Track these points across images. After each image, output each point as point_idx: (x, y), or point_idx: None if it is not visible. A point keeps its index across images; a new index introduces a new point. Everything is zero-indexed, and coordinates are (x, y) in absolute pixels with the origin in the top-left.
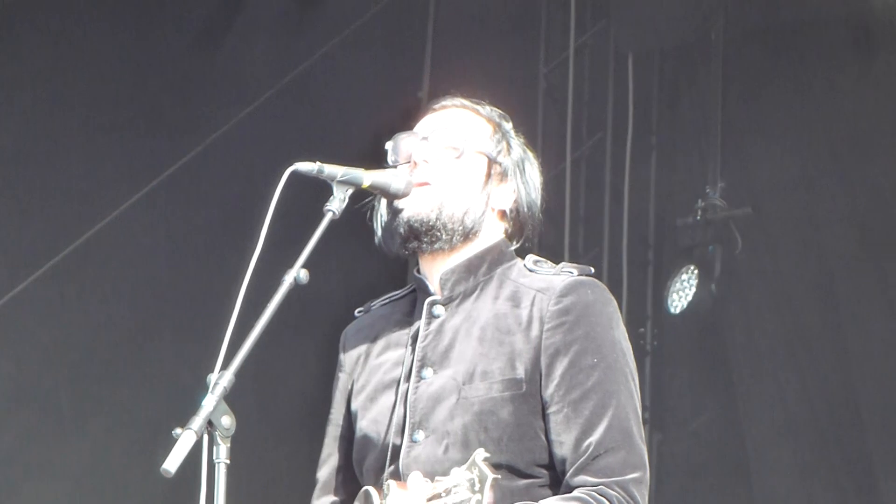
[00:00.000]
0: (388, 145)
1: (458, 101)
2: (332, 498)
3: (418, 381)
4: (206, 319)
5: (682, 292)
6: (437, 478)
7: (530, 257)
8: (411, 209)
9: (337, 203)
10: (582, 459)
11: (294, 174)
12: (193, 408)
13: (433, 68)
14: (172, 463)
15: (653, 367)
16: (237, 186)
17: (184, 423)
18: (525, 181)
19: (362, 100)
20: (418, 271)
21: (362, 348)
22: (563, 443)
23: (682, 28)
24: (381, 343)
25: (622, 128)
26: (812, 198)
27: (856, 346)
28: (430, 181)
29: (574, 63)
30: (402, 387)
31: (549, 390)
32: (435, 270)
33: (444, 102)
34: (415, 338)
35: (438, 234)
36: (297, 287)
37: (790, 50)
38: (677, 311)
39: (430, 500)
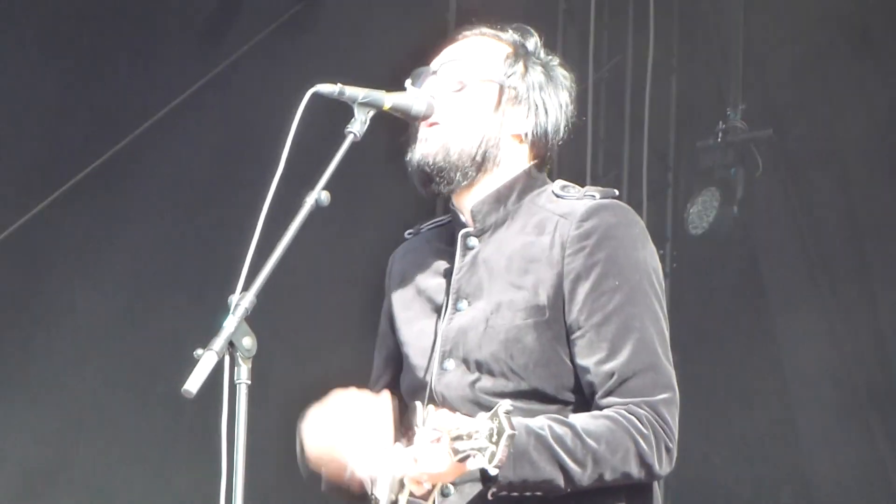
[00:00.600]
0: (408, 82)
1: (479, 29)
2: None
3: (454, 313)
4: (229, 242)
5: (704, 214)
6: (462, 418)
7: (558, 182)
8: (419, 152)
9: (358, 125)
10: (609, 383)
11: (315, 95)
12: (215, 329)
13: (458, 8)
14: (194, 383)
15: (672, 289)
16: (260, 108)
17: (205, 343)
18: (543, 102)
19: (389, 20)
20: (452, 204)
21: (406, 274)
22: (588, 367)
23: None
24: (422, 270)
25: (642, 50)
26: (834, 120)
27: (881, 271)
28: (438, 119)
29: None
30: (440, 318)
31: (573, 315)
32: (465, 203)
33: (465, 32)
34: (451, 268)
35: (451, 174)
36: (318, 209)
37: None
38: (698, 232)
39: (453, 438)
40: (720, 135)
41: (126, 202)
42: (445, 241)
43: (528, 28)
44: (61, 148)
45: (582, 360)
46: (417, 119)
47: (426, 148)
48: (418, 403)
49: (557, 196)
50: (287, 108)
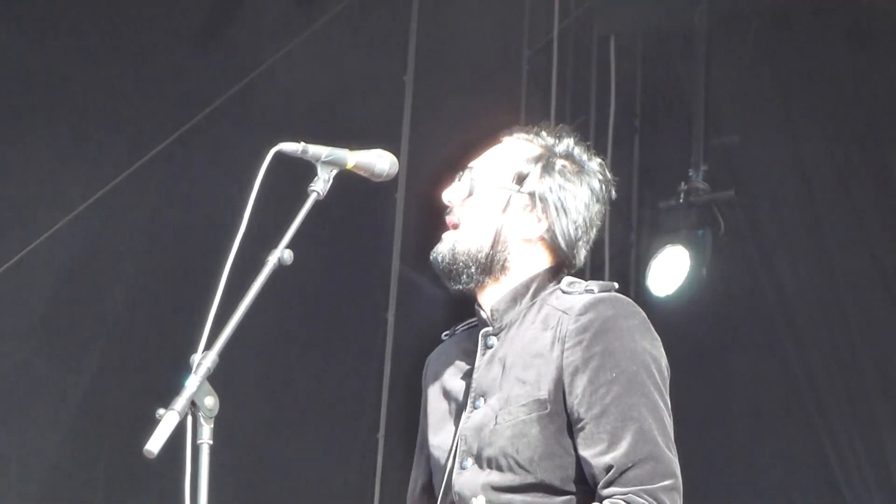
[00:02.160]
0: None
1: (516, 132)
2: None
3: (471, 412)
4: (191, 300)
5: (670, 275)
6: None
7: (566, 279)
8: (435, 251)
9: (321, 183)
10: (610, 474)
11: (278, 154)
12: (176, 389)
13: (418, 52)
14: (155, 444)
15: None
16: (221, 169)
17: (167, 403)
18: (562, 204)
19: (347, 83)
20: (477, 303)
21: (438, 375)
22: (589, 460)
23: (664, 11)
24: (451, 370)
25: (605, 111)
26: (797, 181)
27: (855, 324)
28: (458, 222)
29: (558, 46)
30: (460, 415)
31: (572, 408)
32: (485, 302)
33: (501, 135)
34: (472, 367)
35: (458, 274)
36: (280, 268)
37: (773, 33)
38: (661, 294)
39: None
40: (682, 195)
41: (90, 260)
42: (473, 341)
43: (567, 128)
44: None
45: (583, 452)
46: (381, 178)
47: (439, 247)
48: None
49: (564, 293)
50: (250, 168)
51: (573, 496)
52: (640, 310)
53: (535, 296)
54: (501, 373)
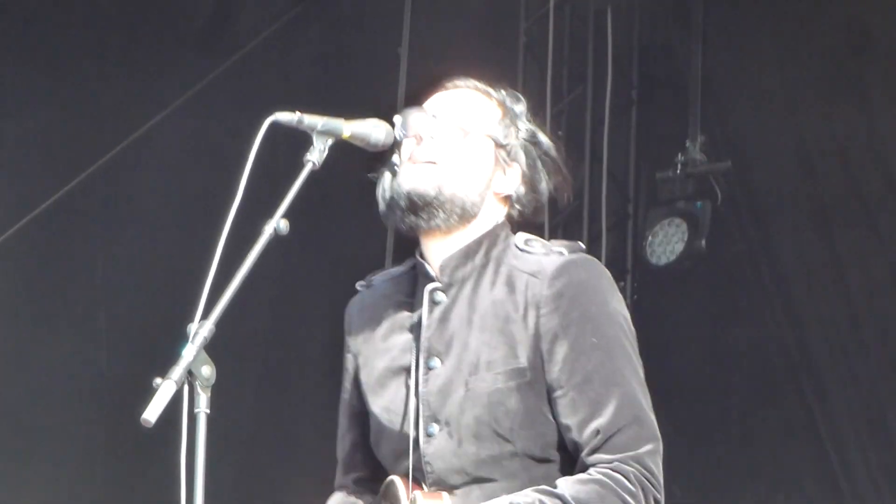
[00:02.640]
0: (397, 119)
1: (472, 82)
2: (355, 474)
3: (427, 373)
4: (187, 272)
5: (668, 246)
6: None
7: (521, 235)
8: (412, 183)
9: (317, 153)
10: (595, 441)
11: (274, 124)
12: (173, 358)
13: (413, 24)
14: (152, 413)
15: (633, 321)
16: (217, 139)
17: (164, 373)
18: (529, 167)
19: (342, 54)
20: (420, 254)
21: (367, 329)
22: (573, 426)
23: None
24: (385, 325)
25: (602, 82)
26: (794, 151)
27: (855, 297)
28: (436, 159)
29: (554, 18)
30: (412, 377)
31: (553, 375)
32: (434, 253)
33: (456, 82)
34: (419, 325)
35: (436, 211)
36: (277, 238)
37: (770, 2)
38: (660, 263)
39: None
40: (679, 166)
41: (87, 232)
42: (405, 293)
43: (517, 93)
44: (25, 178)
45: (566, 419)
46: (377, 148)
47: (420, 181)
48: (397, 481)
49: (522, 251)
50: (246, 137)
51: (553, 463)
52: (605, 269)
53: (488, 252)
54: (461, 332)
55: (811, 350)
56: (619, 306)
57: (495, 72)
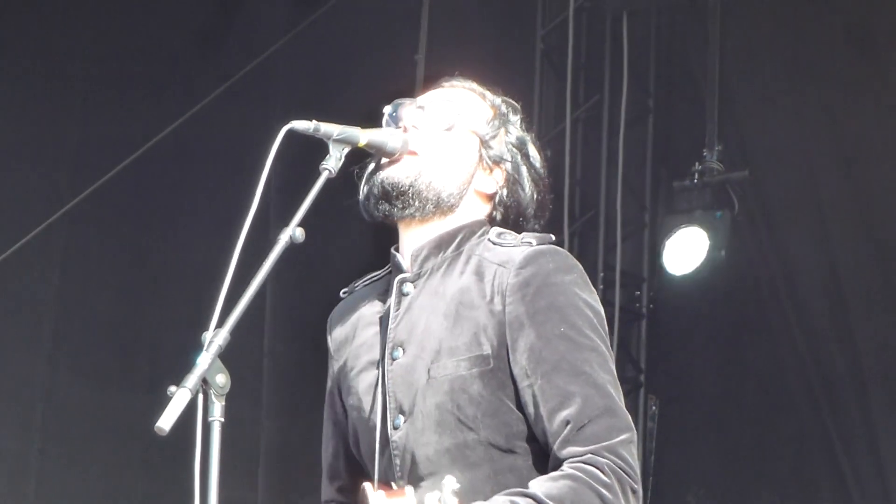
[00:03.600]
0: (386, 109)
1: (467, 83)
2: (338, 482)
3: (391, 363)
4: (203, 279)
5: (685, 255)
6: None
7: (495, 230)
8: (389, 171)
9: (333, 161)
10: (565, 432)
11: (290, 132)
12: (188, 367)
13: (430, 31)
14: (167, 421)
15: (649, 330)
16: (234, 146)
17: (178, 381)
18: (518, 170)
19: (359, 61)
20: (396, 249)
21: (345, 332)
22: (542, 416)
23: None
24: (361, 324)
25: (619, 91)
26: (809, 160)
27: (857, 314)
28: (417, 150)
29: (573, 25)
30: (379, 370)
31: (520, 363)
32: (408, 244)
33: (453, 81)
34: (386, 317)
35: (410, 200)
36: (293, 246)
37: (787, 11)
38: (677, 273)
39: None
40: (696, 175)
41: (103, 235)
42: (380, 291)
43: (514, 103)
44: (34, 189)
45: (533, 409)
46: (392, 155)
47: (397, 170)
48: (368, 491)
49: (494, 244)
50: (263, 146)
51: (519, 455)
52: (577, 262)
53: (460, 245)
54: (423, 321)
55: (825, 361)
56: (588, 298)
57: (513, 80)
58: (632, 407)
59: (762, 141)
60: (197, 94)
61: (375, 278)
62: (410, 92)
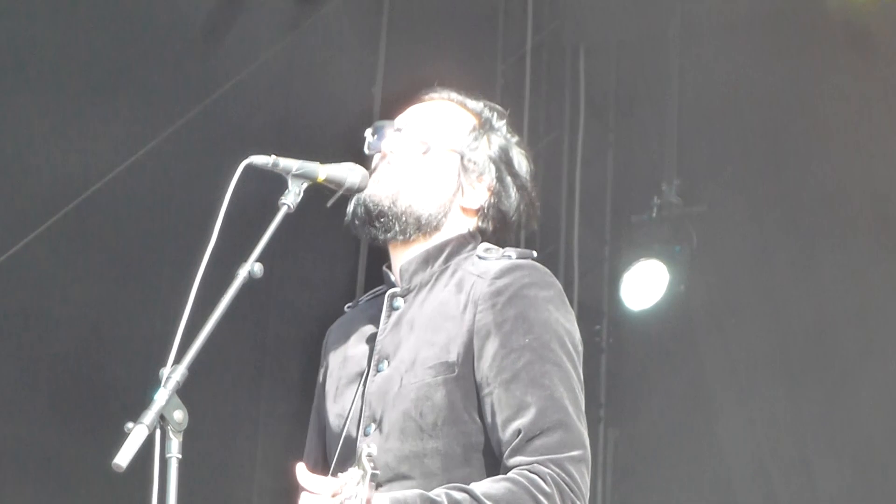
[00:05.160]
0: (368, 132)
1: (446, 92)
2: None
3: (375, 375)
4: (161, 313)
5: (645, 290)
6: (340, 475)
7: (482, 245)
8: (369, 191)
9: (292, 197)
10: (516, 441)
11: (249, 167)
12: (146, 403)
13: (387, 63)
14: (124, 457)
15: (608, 364)
16: (191, 182)
17: (136, 417)
18: (502, 180)
19: (316, 94)
20: (389, 266)
21: (339, 344)
22: (497, 425)
23: (638, 24)
24: (354, 338)
25: (578, 125)
26: (767, 197)
27: (799, 359)
28: (395, 174)
29: (531, 60)
30: (363, 381)
31: (482, 371)
32: (397, 262)
33: (431, 94)
34: (376, 333)
35: (391, 223)
36: (251, 281)
37: (746, 46)
38: (636, 308)
39: (333, 496)
40: (655, 210)
41: (60, 270)
42: (378, 307)
43: (496, 105)
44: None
45: (490, 418)
46: (351, 191)
47: (377, 189)
48: (299, 467)
49: (480, 258)
50: (220, 181)
51: (474, 469)
52: (557, 281)
53: (448, 259)
54: (408, 334)
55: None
56: (560, 317)
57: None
58: (592, 441)
59: (721, 175)
60: (145, 133)
61: (378, 293)
62: (368, 126)
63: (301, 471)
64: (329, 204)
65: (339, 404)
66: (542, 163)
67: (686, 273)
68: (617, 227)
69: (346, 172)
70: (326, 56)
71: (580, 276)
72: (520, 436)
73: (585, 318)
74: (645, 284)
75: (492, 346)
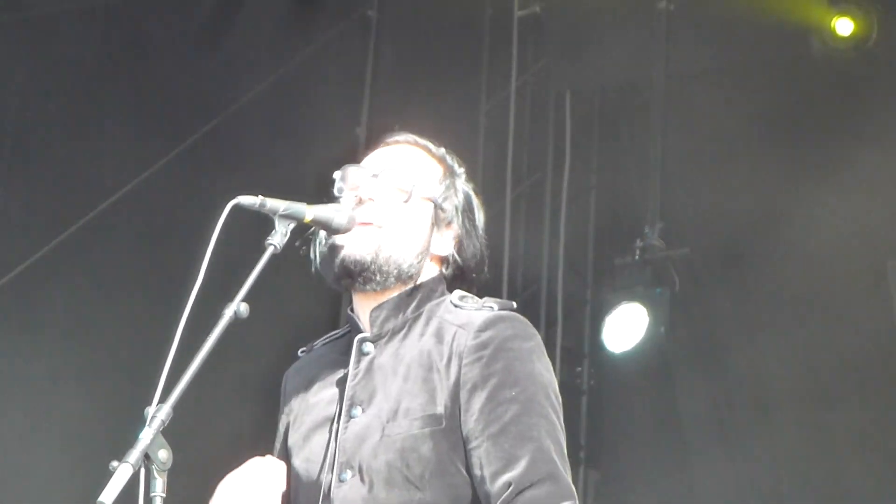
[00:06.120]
0: (336, 175)
1: (411, 137)
2: None
3: (348, 421)
4: (147, 353)
5: (626, 332)
6: None
7: (456, 293)
8: (350, 248)
9: (279, 237)
10: (506, 494)
11: (236, 207)
12: (131, 441)
13: (372, 105)
14: (108, 496)
15: (590, 407)
16: (177, 222)
17: (121, 455)
18: (468, 228)
19: (300, 135)
20: (352, 309)
21: (300, 390)
22: (486, 478)
23: (622, 68)
24: (317, 383)
25: (561, 167)
26: (753, 238)
27: (779, 401)
28: (375, 221)
29: (515, 102)
30: (335, 426)
31: (469, 425)
32: (366, 307)
33: (396, 137)
34: (345, 375)
35: (373, 275)
36: (237, 321)
37: (728, 91)
38: (617, 350)
39: None
40: (638, 252)
41: (41, 313)
42: (340, 351)
43: (452, 152)
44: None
45: (478, 471)
46: (338, 232)
47: (358, 246)
48: None
49: (456, 306)
50: (206, 221)
51: None
52: (536, 332)
53: (420, 306)
54: (383, 382)
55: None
56: (542, 369)
57: (456, 154)
58: (573, 483)
59: (703, 219)
60: (131, 170)
61: (335, 337)
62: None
63: None
64: (302, 252)
65: (307, 449)
66: (525, 204)
67: (667, 315)
68: (599, 269)
69: (332, 213)
70: (312, 97)
71: (563, 317)
72: (510, 488)
73: (567, 360)
74: (626, 326)
75: (478, 400)
